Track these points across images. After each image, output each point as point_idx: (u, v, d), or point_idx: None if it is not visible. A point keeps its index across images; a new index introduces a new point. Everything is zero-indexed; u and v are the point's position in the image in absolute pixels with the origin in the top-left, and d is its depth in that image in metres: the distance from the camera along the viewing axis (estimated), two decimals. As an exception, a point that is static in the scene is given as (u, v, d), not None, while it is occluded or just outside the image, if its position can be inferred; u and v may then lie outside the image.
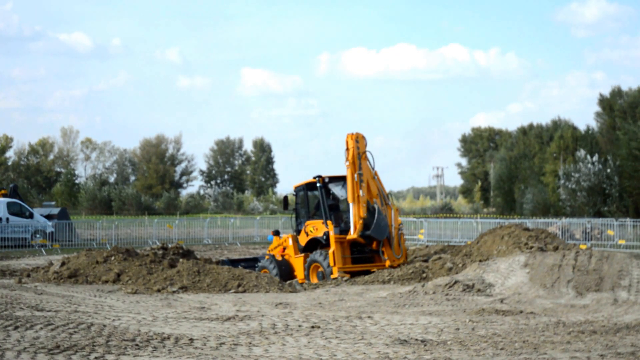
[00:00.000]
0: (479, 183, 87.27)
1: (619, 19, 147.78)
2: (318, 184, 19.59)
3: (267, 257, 20.56)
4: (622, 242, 31.21)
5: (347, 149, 18.93)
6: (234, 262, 21.95)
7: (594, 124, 64.73)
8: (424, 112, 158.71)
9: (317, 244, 19.54)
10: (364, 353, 9.64)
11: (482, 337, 10.70)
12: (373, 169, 19.25)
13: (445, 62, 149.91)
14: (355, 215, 18.73)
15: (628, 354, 9.62)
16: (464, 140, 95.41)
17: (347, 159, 18.89)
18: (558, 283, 15.34)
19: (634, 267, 16.01)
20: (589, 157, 55.07)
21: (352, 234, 18.84)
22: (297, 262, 19.88)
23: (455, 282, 15.67)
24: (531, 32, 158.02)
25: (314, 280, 19.17)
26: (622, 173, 53.41)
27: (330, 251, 18.79)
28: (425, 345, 10.18)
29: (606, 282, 15.25)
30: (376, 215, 18.72)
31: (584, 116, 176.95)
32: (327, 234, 19.05)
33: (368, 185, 18.97)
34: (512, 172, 67.42)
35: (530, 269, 16.10)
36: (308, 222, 19.82)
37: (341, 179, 19.93)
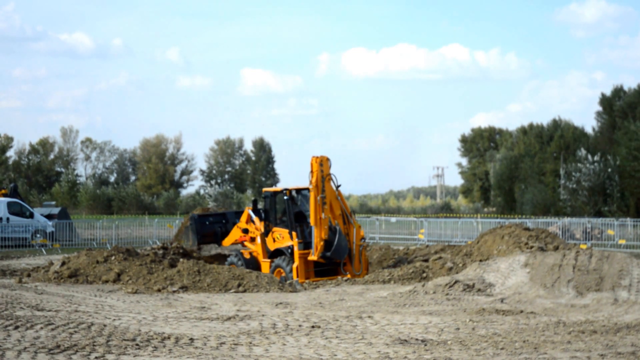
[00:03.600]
0: (478, 183, 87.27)
1: (618, 19, 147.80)
2: (285, 197, 19.89)
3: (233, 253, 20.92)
4: (622, 241, 31.20)
5: (312, 172, 19.26)
6: (201, 217, 22.44)
7: (594, 124, 64.84)
8: (424, 112, 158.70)
9: (283, 252, 19.88)
10: (364, 353, 9.64)
11: (482, 337, 10.70)
12: (336, 189, 19.49)
13: (445, 62, 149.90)
14: (316, 237, 19.05)
15: (628, 354, 9.62)
16: (464, 140, 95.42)
17: (310, 182, 19.22)
18: (558, 283, 15.34)
19: (634, 266, 16.00)
20: (589, 156, 55.06)
21: (313, 256, 19.20)
22: (265, 264, 20.21)
23: (456, 282, 15.67)
24: (531, 32, 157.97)
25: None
26: (622, 173, 53.39)
27: (294, 266, 19.19)
28: (425, 345, 10.18)
29: (606, 281, 15.25)
30: (337, 237, 19.12)
31: (584, 116, 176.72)
32: (291, 248, 19.42)
33: (331, 206, 19.36)
34: (512, 172, 67.40)
35: (531, 269, 16.10)
36: (275, 229, 20.13)
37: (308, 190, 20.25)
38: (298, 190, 20.32)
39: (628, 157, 52.71)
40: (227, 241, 21.76)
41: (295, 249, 19.30)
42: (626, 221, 34.06)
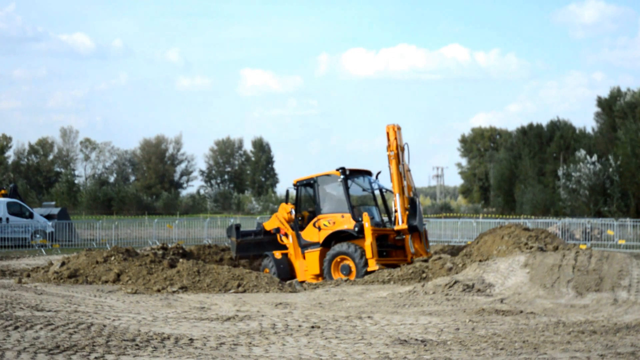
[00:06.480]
0: (478, 183, 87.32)
1: (617, 20, 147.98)
2: (342, 176, 19.36)
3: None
4: (622, 242, 31.23)
5: (389, 140, 19.02)
6: (243, 232, 21.50)
7: (593, 124, 64.87)
8: (424, 112, 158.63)
9: (335, 238, 19.23)
10: (364, 353, 9.64)
11: (482, 337, 10.71)
12: (408, 162, 19.41)
13: (445, 63, 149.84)
14: (401, 206, 18.84)
15: (628, 354, 9.62)
16: (464, 140, 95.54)
17: (390, 150, 18.99)
18: (558, 283, 15.34)
19: (634, 267, 16.01)
20: (588, 157, 55.05)
21: (401, 225, 18.90)
22: (311, 254, 19.51)
23: (455, 282, 15.67)
24: (530, 33, 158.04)
25: (337, 274, 18.90)
26: (622, 173, 53.36)
27: (368, 243, 18.54)
28: (425, 345, 10.18)
29: (606, 282, 15.25)
30: (417, 206, 18.98)
31: (583, 116, 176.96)
32: (360, 226, 18.80)
33: (407, 176, 19.14)
34: (512, 172, 67.44)
35: (530, 269, 16.10)
36: (320, 216, 19.48)
37: (360, 173, 19.91)
38: (352, 172, 19.78)
39: (630, 157, 52.58)
40: (268, 225, 21.28)
41: (367, 225, 18.62)
42: (626, 221, 34.08)
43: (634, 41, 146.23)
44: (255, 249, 21.50)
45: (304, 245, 19.80)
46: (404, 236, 19.58)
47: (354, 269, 18.75)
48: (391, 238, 19.65)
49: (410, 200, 19.06)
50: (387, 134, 19.09)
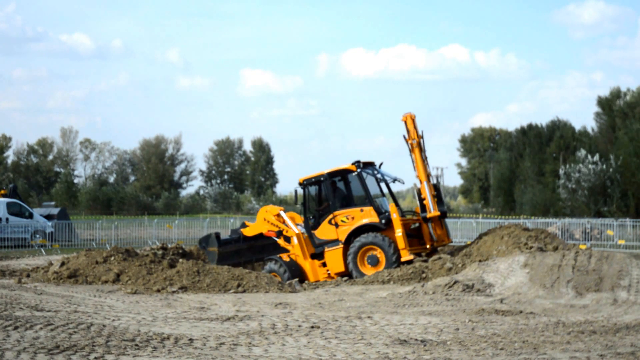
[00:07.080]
0: (477, 183, 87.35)
1: (616, 20, 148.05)
2: (359, 169, 19.19)
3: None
4: (621, 242, 31.24)
5: (408, 130, 19.15)
6: (225, 243, 20.98)
7: (593, 124, 64.91)
8: (423, 112, 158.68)
9: (354, 234, 18.90)
10: (364, 353, 9.64)
11: (481, 337, 10.71)
12: (425, 150, 19.52)
13: (445, 63, 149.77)
14: (430, 194, 18.99)
15: (628, 354, 9.62)
16: (464, 140, 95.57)
17: (412, 138, 19.10)
18: (558, 283, 15.34)
19: (634, 267, 16.01)
20: (589, 157, 55.06)
21: (433, 212, 18.97)
22: (333, 254, 19.09)
23: (455, 282, 15.67)
24: (530, 33, 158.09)
25: (365, 267, 18.59)
26: (622, 173, 53.35)
27: (399, 234, 18.45)
28: (424, 345, 10.18)
29: (606, 282, 15.26)
30: (442, 193, 19.26)
31: (583, 116, 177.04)
32: (386, 218, 18.68)
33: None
34: (512, 173, 67.45)
35: (530, 269, 16.10)
36: (336, 213, 19.11)
37: (368, 165, 19.80)
38: (365, 165, 19.66)
39: (632, 156, 52.52)
40: (250, 231, 20.79)
41: (395, 216, 18.53)
42: (625, 221, 34.09)
43: (633, 41, 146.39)
44: (235, 257, 20.94)
45: (319, 245, 19.39)
46: (419, 224, 19.63)
47: (382, 259, 18.57)
48: (408, 227, 19.60)
49: (434, 187, 19.24)
50: (405, 123, 19.17)
